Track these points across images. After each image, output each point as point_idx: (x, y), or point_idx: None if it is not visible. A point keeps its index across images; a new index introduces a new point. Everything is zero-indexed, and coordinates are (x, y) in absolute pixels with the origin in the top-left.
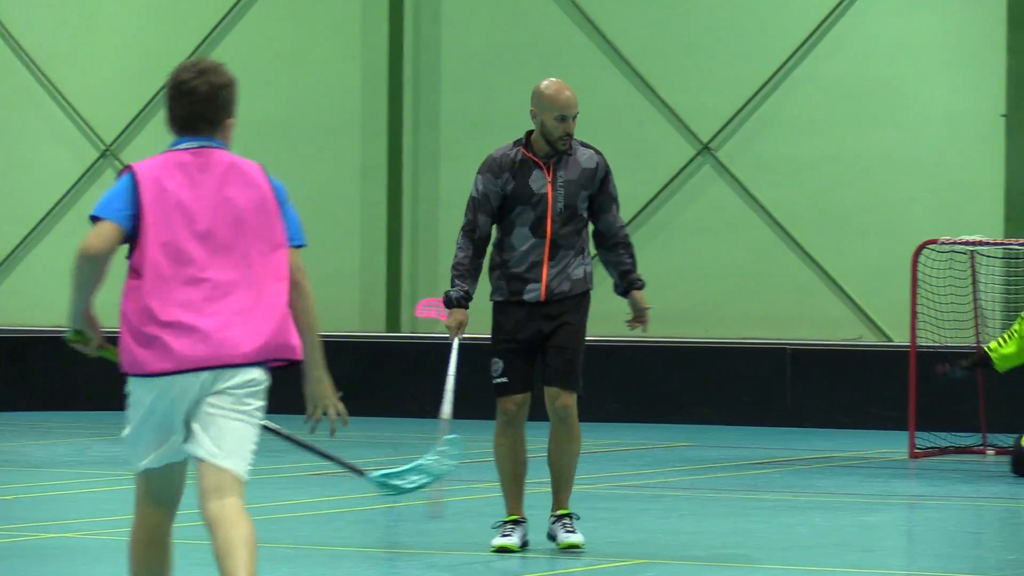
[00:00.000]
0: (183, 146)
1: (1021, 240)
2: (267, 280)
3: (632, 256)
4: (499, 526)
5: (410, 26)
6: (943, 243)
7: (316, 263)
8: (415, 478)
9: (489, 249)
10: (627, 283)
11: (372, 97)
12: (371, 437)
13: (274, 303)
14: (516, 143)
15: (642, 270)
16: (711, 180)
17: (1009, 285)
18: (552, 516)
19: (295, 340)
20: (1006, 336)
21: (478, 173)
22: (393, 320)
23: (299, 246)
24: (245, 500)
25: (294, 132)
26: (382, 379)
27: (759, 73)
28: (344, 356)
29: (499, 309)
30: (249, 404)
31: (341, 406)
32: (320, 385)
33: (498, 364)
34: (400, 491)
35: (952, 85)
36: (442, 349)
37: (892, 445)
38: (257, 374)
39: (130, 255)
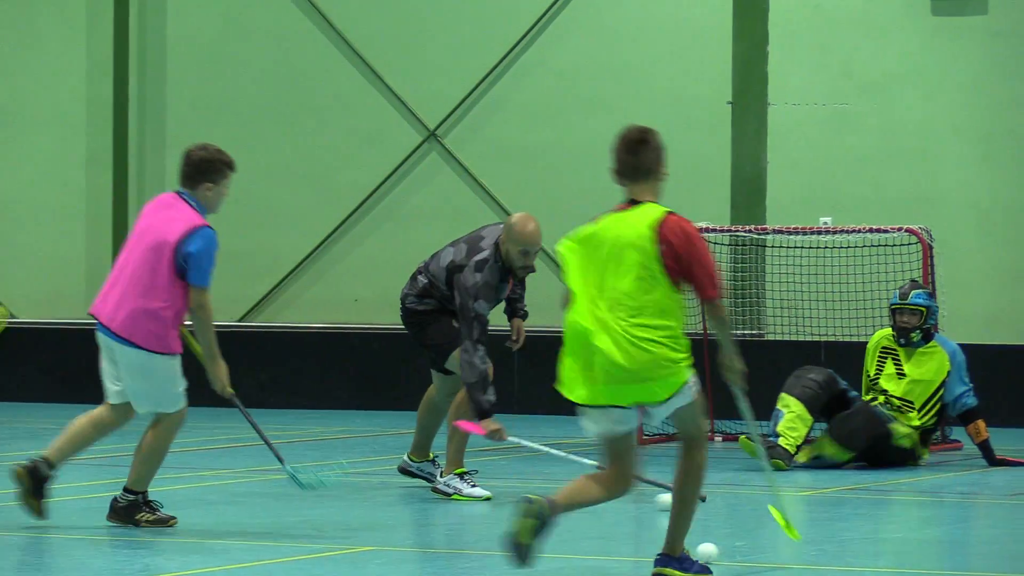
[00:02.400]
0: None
1: (747, 227)
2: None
3: (523, 289)
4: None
5: (136, 10)
6: None
7: (41, 249)
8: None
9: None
10: (513, 310)
11: (97, 84)
12: None
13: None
14: (496, 257)
15: (371, 258)
16: (438, 167)
17: (736, 272)
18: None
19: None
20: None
21: (480, 299)
22: None
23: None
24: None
25: (19, 118)
26: None
27: (487, 59)
28: (71, 343)
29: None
30: None
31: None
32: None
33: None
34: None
35: (679, 71)
36: None
37: None
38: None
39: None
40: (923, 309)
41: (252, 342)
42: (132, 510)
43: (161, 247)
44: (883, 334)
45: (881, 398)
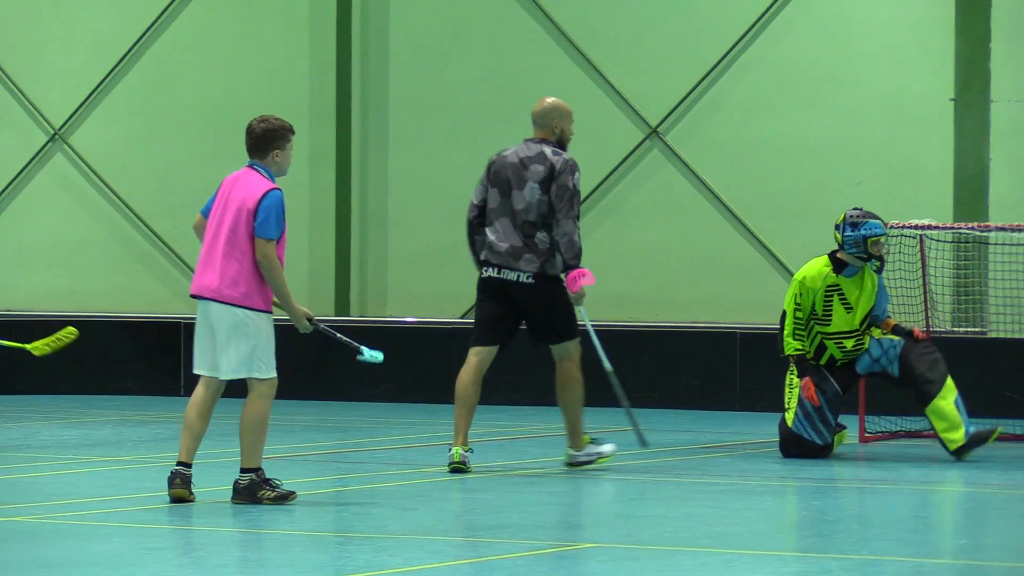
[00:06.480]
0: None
1: (970, 224)
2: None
3: None
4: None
5: (358, 9)
6: (892, 227)
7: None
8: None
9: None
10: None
11: (320, 81)
12: (322, 420)
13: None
14: (555, 146)
15: (592, 254)
16: (659, 164)
17: (959, 269)
18: None
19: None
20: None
21: (577, 172)
22: (342, 303)
23: (262, 237)
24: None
25: (243, 116)
26: (331, 362)
27: (708, 56)
28: (294, 340)
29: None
30: None
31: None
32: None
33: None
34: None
35: (901, 68)
36: (387, 332)
37: None
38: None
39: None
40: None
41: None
42: (253, 489)
43: (240, 212)
44: (822, 271)
45: (801, 345)
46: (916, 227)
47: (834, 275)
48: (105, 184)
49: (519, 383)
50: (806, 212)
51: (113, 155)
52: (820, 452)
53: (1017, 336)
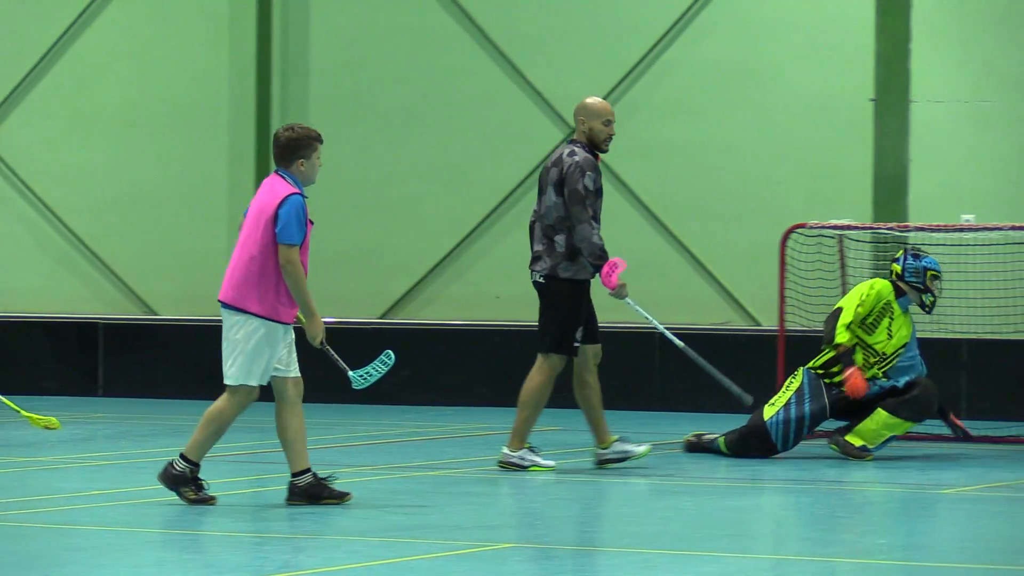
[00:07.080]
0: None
1: (889, 224)
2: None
3: None
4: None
5: (278, 10)
6: (811, 227)
7: (183, 246)
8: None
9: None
10: None
11: (240, 82)
12: (240, 421)
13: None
14: (578, 146)
15: (512, 255)
16: None
17: (878, 269)
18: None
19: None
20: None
21: (588, 172)
22: None
23: (284, 243)
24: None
25: (161, 117)
26: None
27: (628, 57)
28: (212, 340)
29: (581, 287)
30: None
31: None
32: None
33: (580, 331)
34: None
35: (821, 69)
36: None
37: None
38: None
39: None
40: None
41: (392, 339)
42: (180, 480)
43: (259, 218)
44: (888, 286)
45: (851, 338)
46: (835, 227)
47: (894, 298)
48: (24, 184)
49: (435, 384)
50: (727, 213)
51: (32, 155)
52: (766, 455)
53: (936, 336)
